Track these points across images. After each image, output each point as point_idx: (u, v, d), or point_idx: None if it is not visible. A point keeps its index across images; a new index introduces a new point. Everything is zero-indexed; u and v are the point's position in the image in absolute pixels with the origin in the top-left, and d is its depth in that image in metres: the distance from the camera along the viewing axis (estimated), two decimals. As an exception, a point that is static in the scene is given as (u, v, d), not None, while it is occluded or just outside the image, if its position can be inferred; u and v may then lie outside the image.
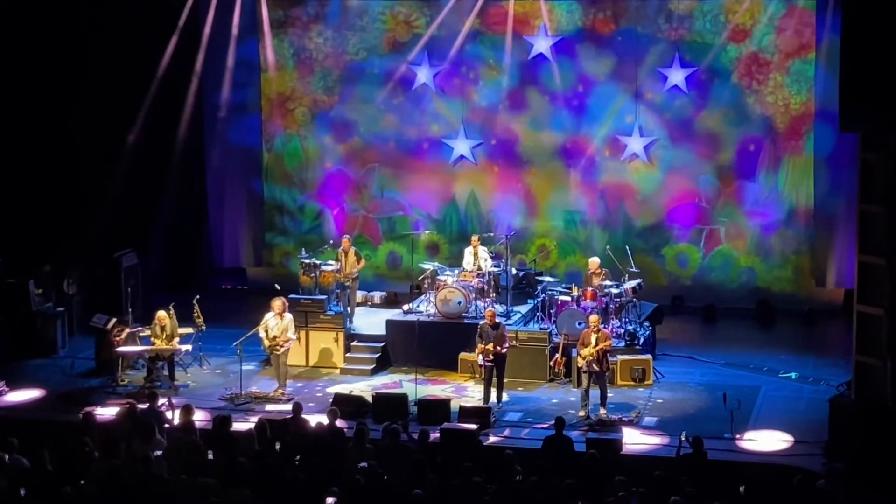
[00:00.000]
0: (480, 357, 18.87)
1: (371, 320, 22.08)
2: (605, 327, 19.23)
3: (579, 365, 18.57)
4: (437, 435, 16.43)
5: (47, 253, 22.91)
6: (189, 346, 20.39)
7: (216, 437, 15.43)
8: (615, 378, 19.52)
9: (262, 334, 19.42)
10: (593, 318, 18.74)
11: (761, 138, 23.68)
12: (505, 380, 19.11)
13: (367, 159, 25.25)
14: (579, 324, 19.85)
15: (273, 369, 19.79)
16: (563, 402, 19.00)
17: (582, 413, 18.25)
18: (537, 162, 24.65)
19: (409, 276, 23.67)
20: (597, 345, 18.24)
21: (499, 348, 18.81)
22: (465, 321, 20.74)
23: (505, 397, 19.10)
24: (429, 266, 21.94)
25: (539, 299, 21.40)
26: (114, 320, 20.73)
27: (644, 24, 23.75)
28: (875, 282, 16.36)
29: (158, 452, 14.93)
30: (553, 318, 20.78)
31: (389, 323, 21.35)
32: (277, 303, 19.52)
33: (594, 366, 18.21)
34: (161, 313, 19.93)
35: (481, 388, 19.06)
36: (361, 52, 24.95)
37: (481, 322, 19.30)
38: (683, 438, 15.49)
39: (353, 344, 21.25)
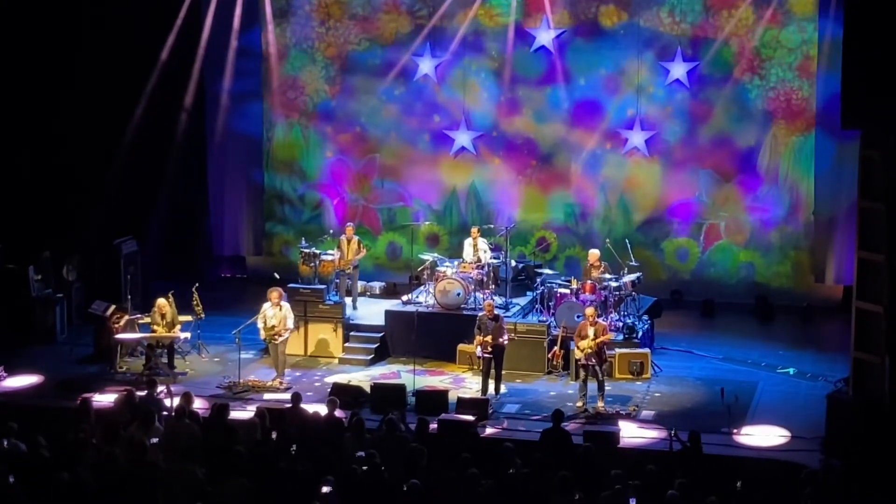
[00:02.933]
0: (479, 349, 18.88)
1: (370, 310, 22.09)
2: (603, 320, 19.25)
3: (577, 357, 18.59)
4: (435, 426, 16.43)
5: (47, 239, 22.87)
6: (188, 334, 20.39)
7: (214, 426, 15.42)
8: (613, 371, 19.54)
9: (261, 325, 19.41)
10: (589, 310, 18.75)
11: (762, 134, 23.67)
12: (503, 372, 19.13)
13: (367, 149, 25.26)
14: (578, 316, 19.84)
15: (271, 358, 19.80)
16: (561, 395, 19.02)
17: (580, 404, 18.28)
18: (538, 154, 24.65)
19: (408, 267, 23.69)
20: (596, 337, 18.26)
21: (497, 340, 18.82)
22: (464, 312, 20.73)
23: (503, 389, 19.12)
24: (428, 257, 21.95)
25: (538, 291, 21.41)
26: (113, 307, 20.74)
27: (646, 17, 23.76)
28: (874, 279, 16.34)
29: (155, 440, 14.94)
30: (552, 311, 20.79)
31: (388, 313, 21.35)
32: (274, 293, 19.51)
33: (593, 358, 18.24)
34: (161, 301, 19.93)
35: (479, 379, 19.09)
36: (364, 42, 24.94)
37: (480, 314, 19.28)
38: (673, 434, 15.49)
39: (351, 334, 21.26)
